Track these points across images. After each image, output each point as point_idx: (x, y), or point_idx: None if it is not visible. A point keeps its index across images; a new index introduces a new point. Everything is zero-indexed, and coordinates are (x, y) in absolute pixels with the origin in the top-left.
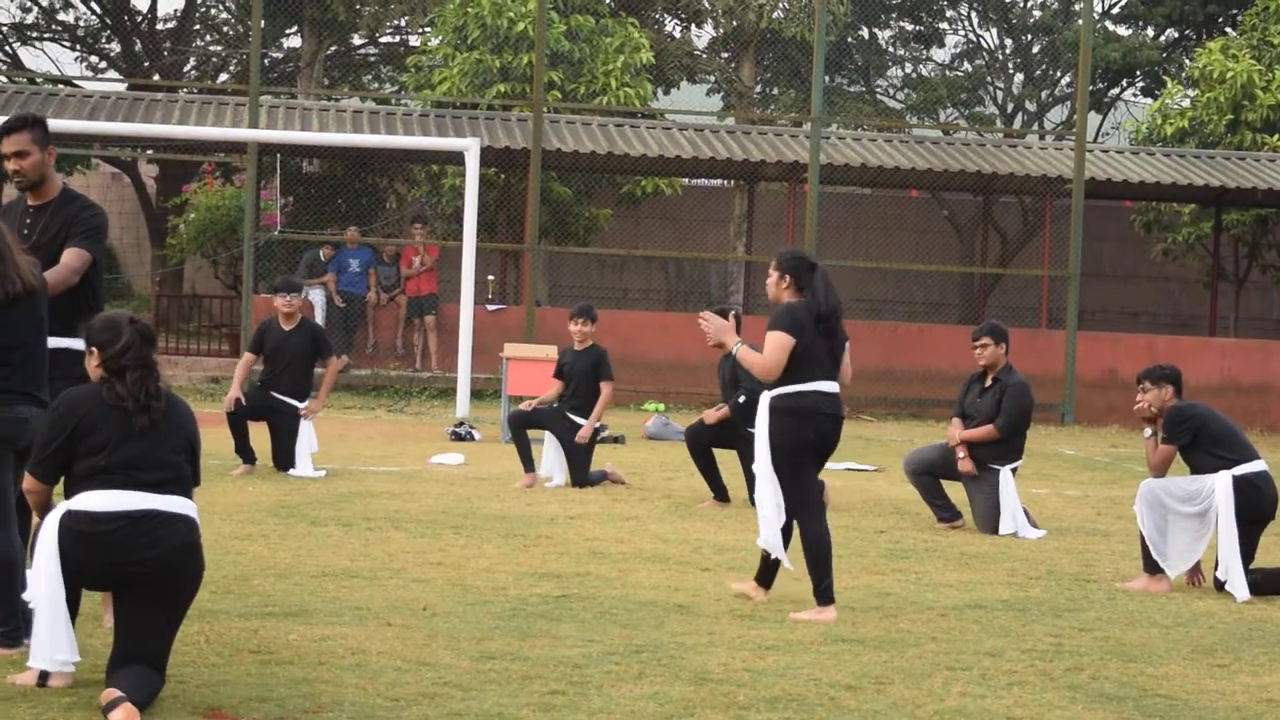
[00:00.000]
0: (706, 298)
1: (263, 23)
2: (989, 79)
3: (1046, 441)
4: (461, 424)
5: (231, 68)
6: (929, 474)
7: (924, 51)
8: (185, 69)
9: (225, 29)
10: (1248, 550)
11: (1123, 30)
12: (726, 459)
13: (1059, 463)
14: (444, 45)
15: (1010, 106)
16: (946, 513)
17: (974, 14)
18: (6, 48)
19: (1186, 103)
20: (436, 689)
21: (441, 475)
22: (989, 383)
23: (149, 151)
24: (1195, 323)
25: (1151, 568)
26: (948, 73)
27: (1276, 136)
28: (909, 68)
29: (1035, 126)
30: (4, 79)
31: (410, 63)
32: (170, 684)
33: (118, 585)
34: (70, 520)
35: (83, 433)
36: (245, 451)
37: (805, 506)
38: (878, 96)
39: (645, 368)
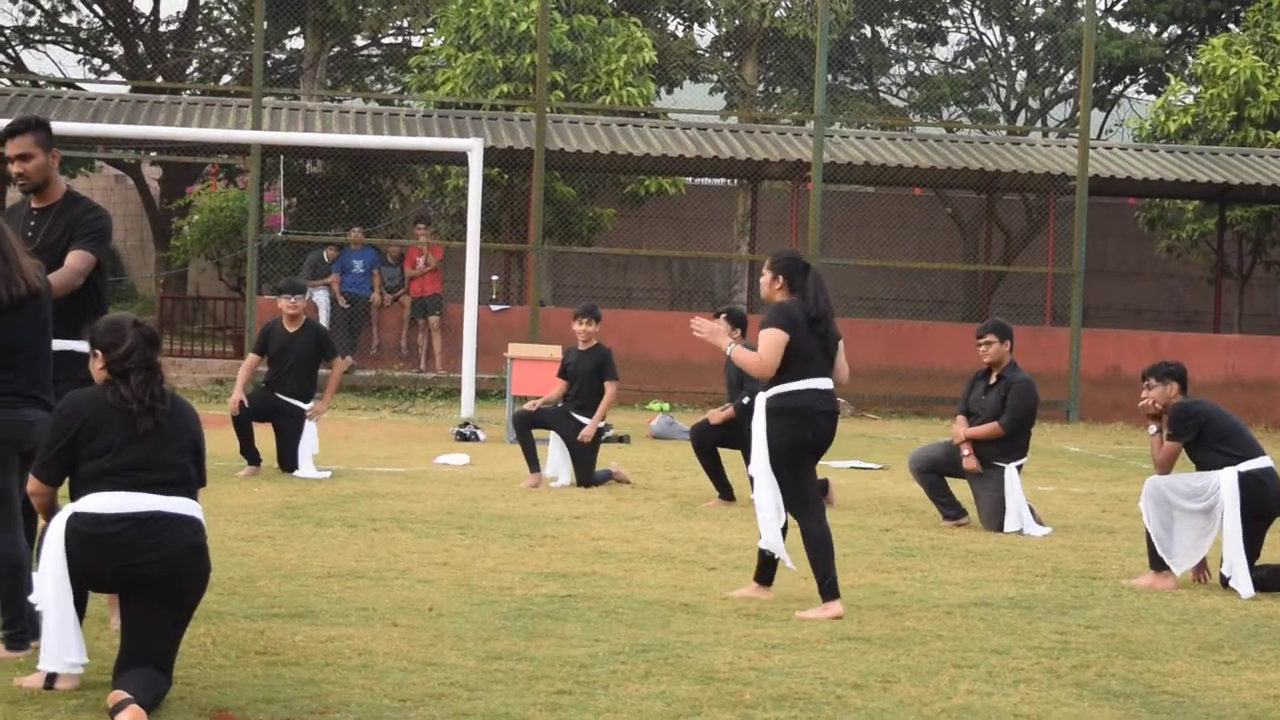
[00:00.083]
0: (710, 297)
1: (265, 24)
2: (992, 76)
3: (1051, 439)
4: (466, 424)
5: (234, 69)
6: (934, 472)
7: (927, 49)
8: (188, 71)
9: (228, 31)
10: (1253, 547)
11: (1126, 27)
12: (731, 458)
13: (1064, 460)
14: (446, 45)
15: (1013, 104)
16: (952, 510)
17: (977, 11)
18: (9, 51)
19: (1190, 99)
20: (443, 689)
21: (446, 476)
22: (993, 380)
23: (152, 153)
24: (1199, 319)
25: (1157, 564)
26: (951, 70)
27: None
28: (912, 66)
29: (1038, 124)
30: (7, 82)
31: (413, 63)
32: (177, 685)
33: (124, 587)
34: (76, 522)
35: (87, 435)
36: (250, 453)
37: (805, 505)
38: (881, 95)
39: (650, 367)
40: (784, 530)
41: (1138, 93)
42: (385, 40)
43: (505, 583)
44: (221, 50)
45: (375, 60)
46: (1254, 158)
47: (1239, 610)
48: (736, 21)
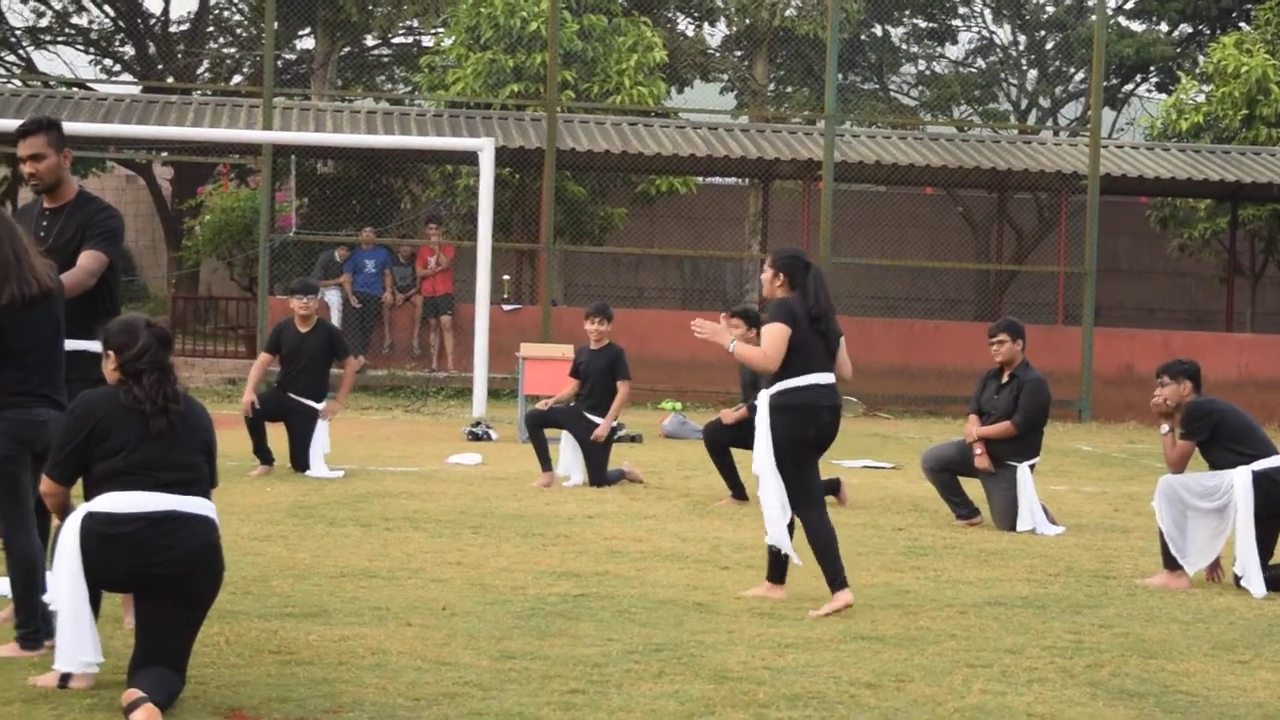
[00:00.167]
0: (722, 296)
1: (276, 24)
2: (1003, 75)
3: (1064, 438)
4: (478, 424)
5: (245, 70)
6: (947, 471)
7: (937, 48)
8: (199, 71)
9: (238, 31)
10: (1266, 546)
11: (1136, 26)
12: (744, 458)
13: (1076, 459)
14: (457, 45)
15: (1024, 103)
16: (964, 510)
17: (987, 10)
18: (21, 51)
19: (1201, 98)
20: (457, 688)
21: (459, 475)
22: (1006, 379)
23: (164, 154)
24: (1212, 318)
25: (1171, 564)
26: (961, 69)
27: None
28: (922, 65)
29: (1049, 123)
30: (19, 83)
31: (423, 63)
32: (190, 685)
33: (139, 587)
34: (91, 522)
35: (100, 435)
36: (263, 453)
37: (808, 503)
38: (891, 94)
39: (661, 366)
40: (790, 528)
41: (1149, 91)
42: (396, 40)
43: (518, 582)
44: (232, 50)
45: (386, 60)
46: (1266, 156)
47: (1253, 610)
48: (747, 21)
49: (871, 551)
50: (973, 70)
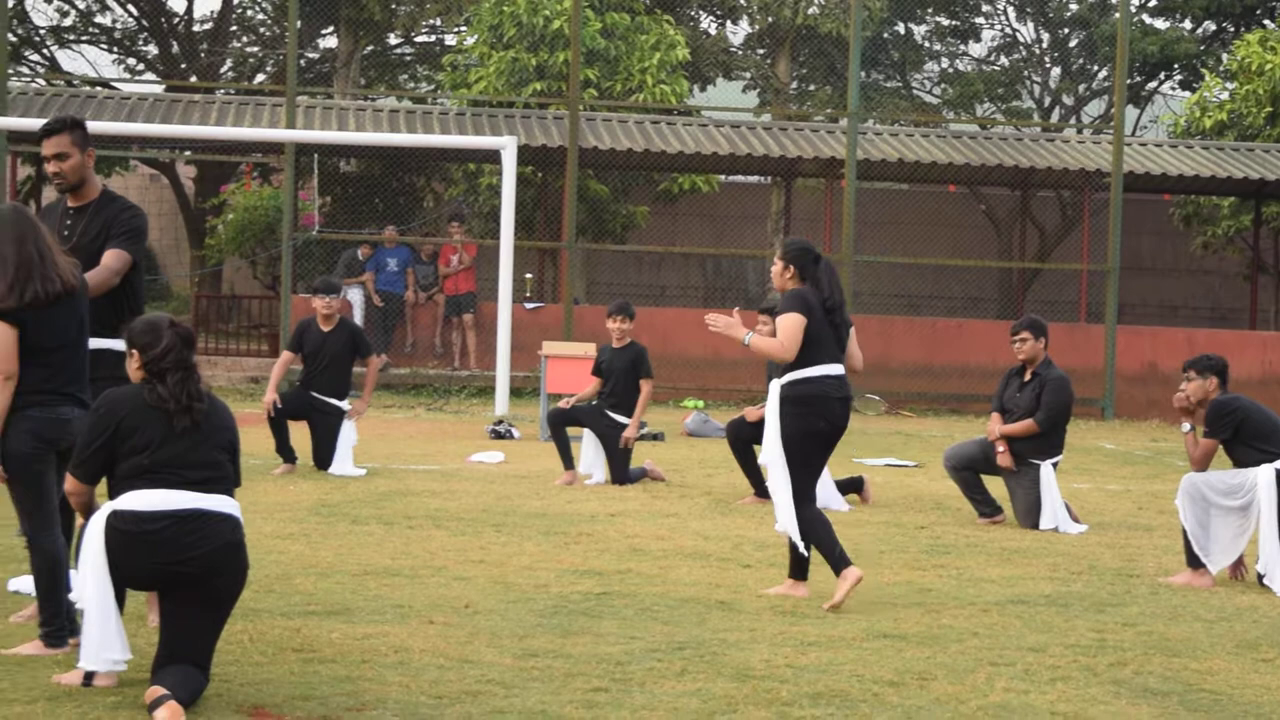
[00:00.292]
0: (744, 294)
1: (299, 23)
2: (1026, 73)
3: (1087, 436)
4: (500, 422)
5: (268, 68)
6: (969, 469)
7: (960, 46)
8: (222, 70)
9: (261, 30)
10: None
11: (1160, 23)
12: None
13: (1100, 457)
14: (480, 44)
15: (1047, 100)
16: (987, 508)
17: (1010, 8)
18: (45, 50)
19: (1225, 95)
20: (479, 686)
21: (481, 473)
22: (1028, 377)
23: (187, 152)
24: (1235, 316)
25: (1194, 562)
26: (984, 67)
27: None
28: (945, 62)
29: (1073, 120)
30: (43, 82)
31: (446, 62)
32: (214, 682)
33: (163, 585)
34: (116, 520)
35: (124, 433)
36: (286, 451)
37: (804, 498)
38: (914, 92)
39: (684, 365)
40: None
41: (1173, 89)
42: (418, 39)
43: (541, 580)
44: (255, 49)
45: (408, 59)
46: None
47: (1276, 608)
48: (770, 19)
49: (894, 550)
50: (996, 68)
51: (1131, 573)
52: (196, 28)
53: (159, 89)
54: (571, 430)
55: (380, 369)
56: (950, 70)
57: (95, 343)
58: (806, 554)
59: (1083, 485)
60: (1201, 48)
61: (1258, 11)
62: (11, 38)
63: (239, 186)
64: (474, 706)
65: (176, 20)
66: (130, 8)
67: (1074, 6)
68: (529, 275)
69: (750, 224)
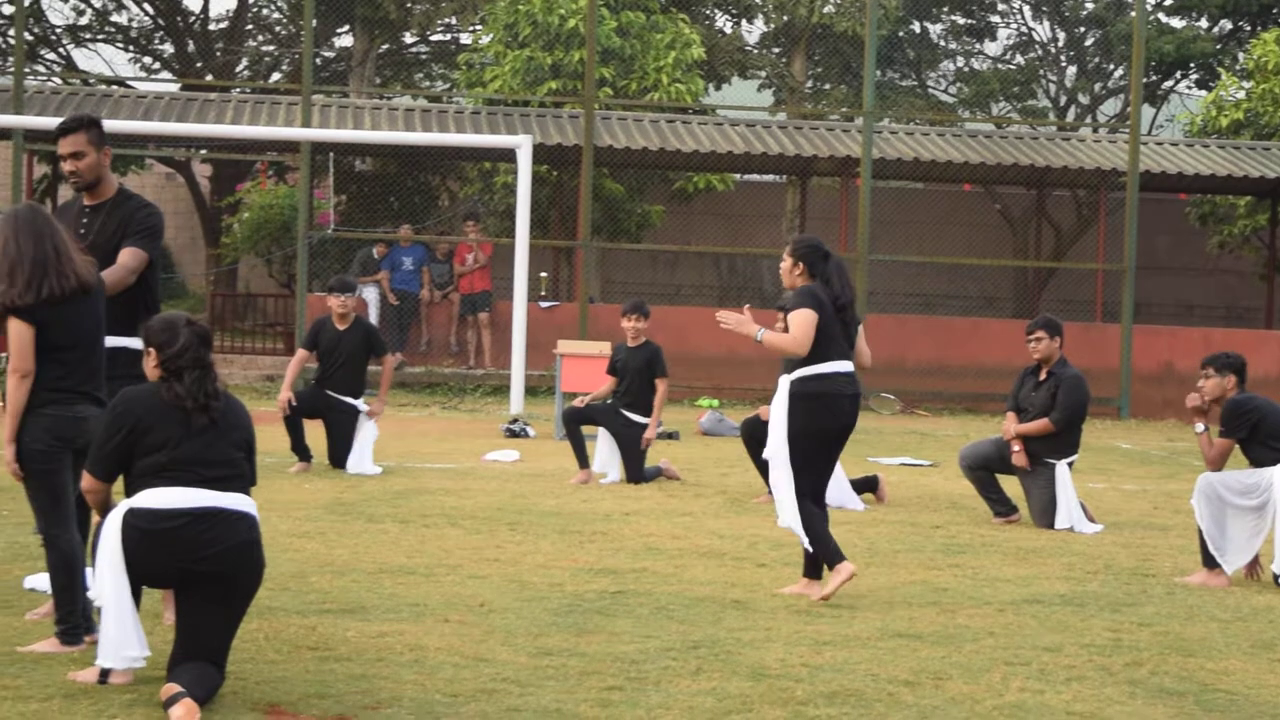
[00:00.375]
0: (759, 293)
1: (314, 22)
2: (1042, 72)
3: (1102, 435)
4: (516, 421)
5: (284, 67)
6: (984, 469)
7: (976, 45)
8: (238, 69)
9: (277, 29)
10: None
11: (1176, 22)
12: None
13: (1115, 457)
14: (495, 43)
15: (1063, 99)
16: (1002, 507)
17: (1026, 7)
18: (61, 49)
19: (1241, 94)
20: (494, 685)
21: (496, 472)
22: (1043, 376)
23: (203, 151)
24: (1251, 315)
25: (1210, 562)
26: (1000, 66)
27: None
28: (961, 61)
29: (1088, 119)
30: (59, 80)
31: (461, 60)
32: (229, 680)
33: (180, 582)
34: (133, 518)
35: (141, 431)
36: (301, 449)
37: (804, 494)
38: (930, 90)
39: (699, 364)
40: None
41: (1189, 88)
42: (434, 37)
43: (556, 579)
44: (271, 48)
45: (424, 58)
46: None
47: None
48: (785, 17)
49: (909, 549)
50: (1011, 67)
51: (1147, 572)
52: (212, 26)
53: (175, 88)
54: (586, 429)
55: (395, 368)
56: (966, 69)
57: (112, 341)
58: (810, 549)
59: (1098, 485)
60: (1218, 46)
61: (1274, 10)
62: (28, 36)
63: (254, 185)
64: (489, 705)
65: (192, 19)
66: (146, 6)
67: (1090, 5)
68: (544, 274)
69: (765, 223)
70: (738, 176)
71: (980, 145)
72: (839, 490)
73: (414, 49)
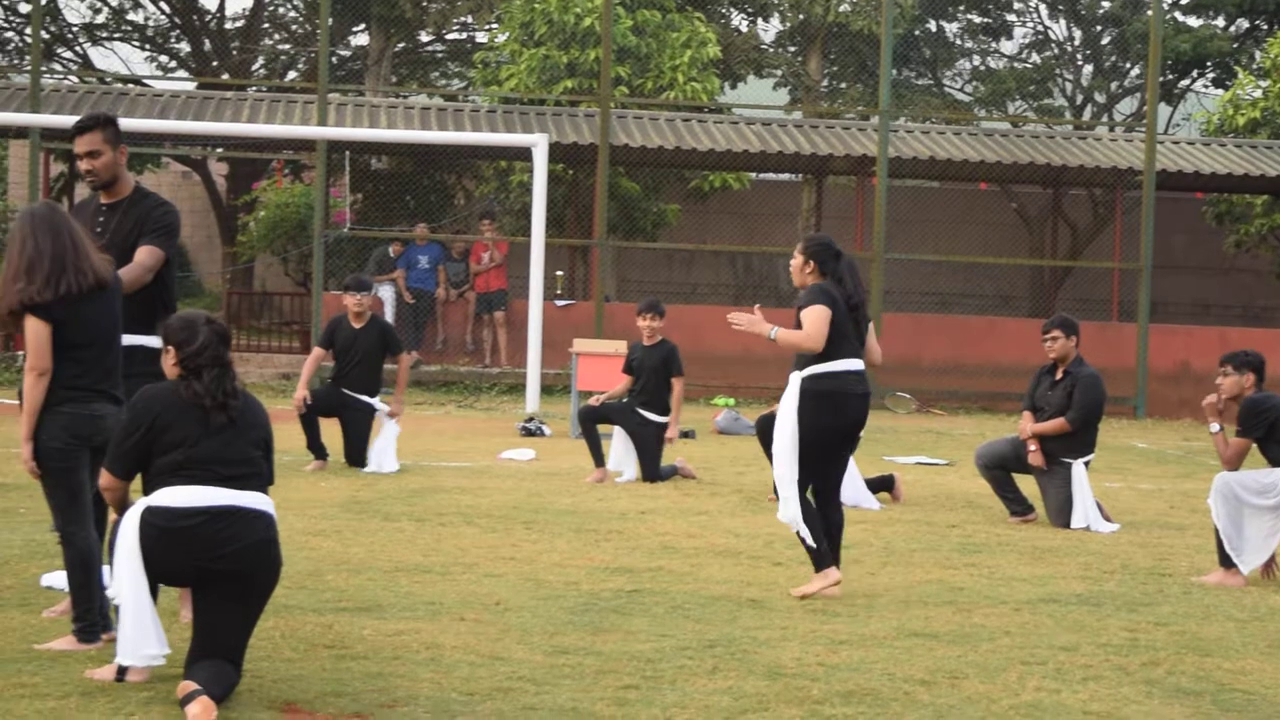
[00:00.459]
0: (775, 292)
1: (330, 21)
2: (1058, 71)
3: (1119, 435)
4: (531, 419)
5: (300, 66)
6: (1000, 468)
7: (992, 43)
8: (254, 68)
9: (293, 27)
10: None
11: (1193, 21)
12: None
13: (1132, 456)
14: (511, 41)
15: (1079, 98)
16: (1018, 506)
17: (1042, 5)
18: (78, 48)
19: (1258, 93)
20: (510, 683)
21: (512, 470)
22: (1060, 375)
23: (219, 149)
24: (1268, 315)
25: (1226, 561)
26: (1016, 65)
27: None
28: (977, 60)
29: (1105, 118)
30: (75, 79)
31: (477, 59)
32: (246, 678)
33: (197, 581)
34: (151, 516)
35: (160, 429)
36: (317, 448)
37: (805, 490)
38: (946, 89)
39: (714, 362)
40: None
41: (1205, 87)
42: (450, 36)
43: (571, 577)
44: (287, 47)
45: (440, 56)
46: None
47: None
48: (801, 16)
49: (925, 548)
50: (1028, 65)
51: (1164, 572)
52: (229, 25)
53: (191, 86)
54: (602, 428)
55: (411, 366)
56: (982, 68)
57: (128, 339)
58: (813, 544)
59: (1115, 484)
60: (1234, 45)
61: None
62: (45, 35)
63: (271, 184)
64: (505, 703)
65: (209, 18)
66: (163, 5)
67: (1106, 4)
68: (560, 273)
69: (781, 221)
70: (753, 175)
71: (996, 144)
72: (854, 489)
73: (430, 48)
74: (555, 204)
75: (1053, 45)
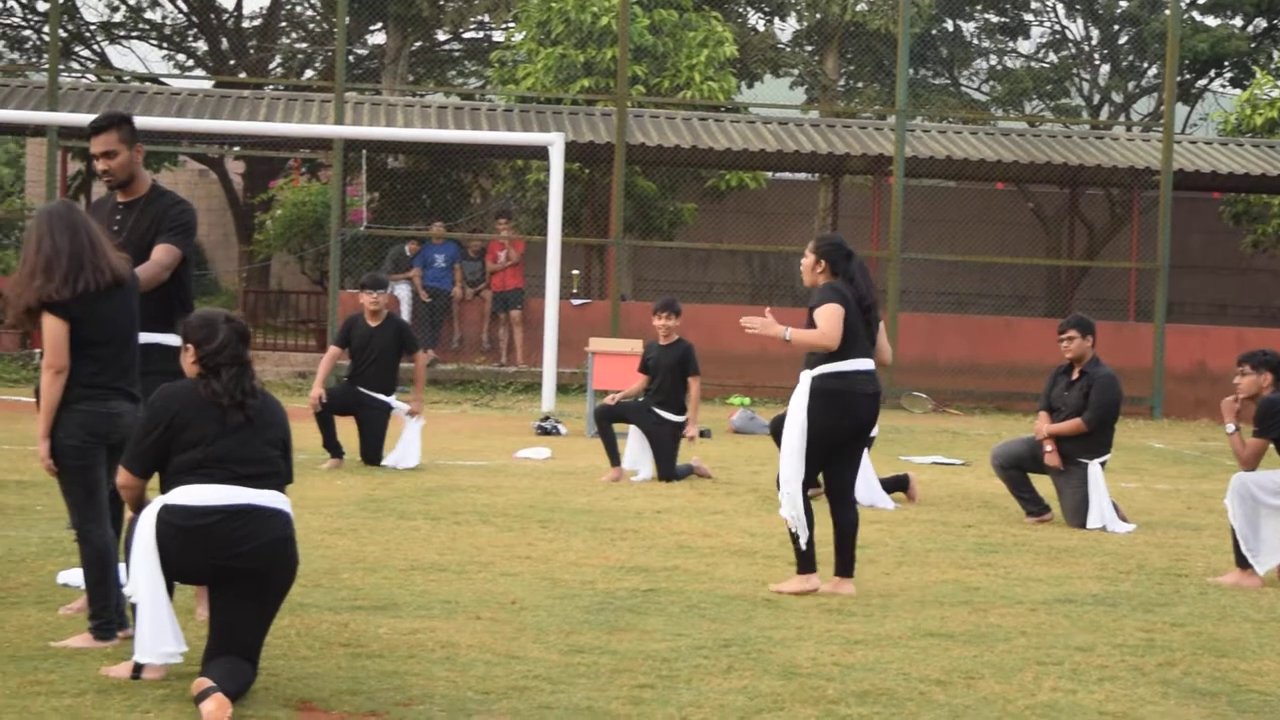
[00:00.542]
0: (791, 292)
1: (347, 20)
2: (1075, 70)
3: (1135, 435)
4: (547, 418)
5: (317, 64)
6: (1016, 468)
7: (1009, 43)
8: (271, 66)
9: (310, 26)
10: None
11: (1210, 20)
12: None
13: (1148, 456)
14: (528, 40)
15: (1097, 98)
16: (1035, 507)
17: (1060, 5)
18: (95, 46)
19: (1276, 92)
20: (526, 682)
21: (528, 469)
22: (1076, 376)
23: (236, 148)
24: None
25: (1243, 562)
26: (1033, 64)
27: None
28: (994, 59)
29: (1122, 118)
30: (93, 77)
31: (494, 58)
32: (262, 676)
33: (213, 579)
34: (168, 514)
35: (178, 428)
36: (333, 446)
37: (808, 489)
38: (962, 89)
39: (730, 362)
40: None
41: (1223, 86)
42: (467, 35)
43: (587, 576)
44: (304, 46)
45: (457, 55)
46: None
47: None
48: (818, 15)
49: (941, 548)
50: (1045, 65)
51: (1180, 572)
52: (245, 24)
53: (208, 85)
54: (617, 426)
55: (427, 365)
56: (999, 67)
57: (145, 337)
58: (805, 548)
59: (1131, 484)
60: (1252, 45)
61: None
62: (62, 33)
63: (287, 182)
64: (520, 702)
65: (226, 16)
66: (180, 4)
67: (1124, 3)
68: (576, 272)
69: (797, 221)
70: (770, 175)
71: (1013, 144)
72: (869, 489)
73: (447, 46)
74: (571, 203)
75: (1070, 45)
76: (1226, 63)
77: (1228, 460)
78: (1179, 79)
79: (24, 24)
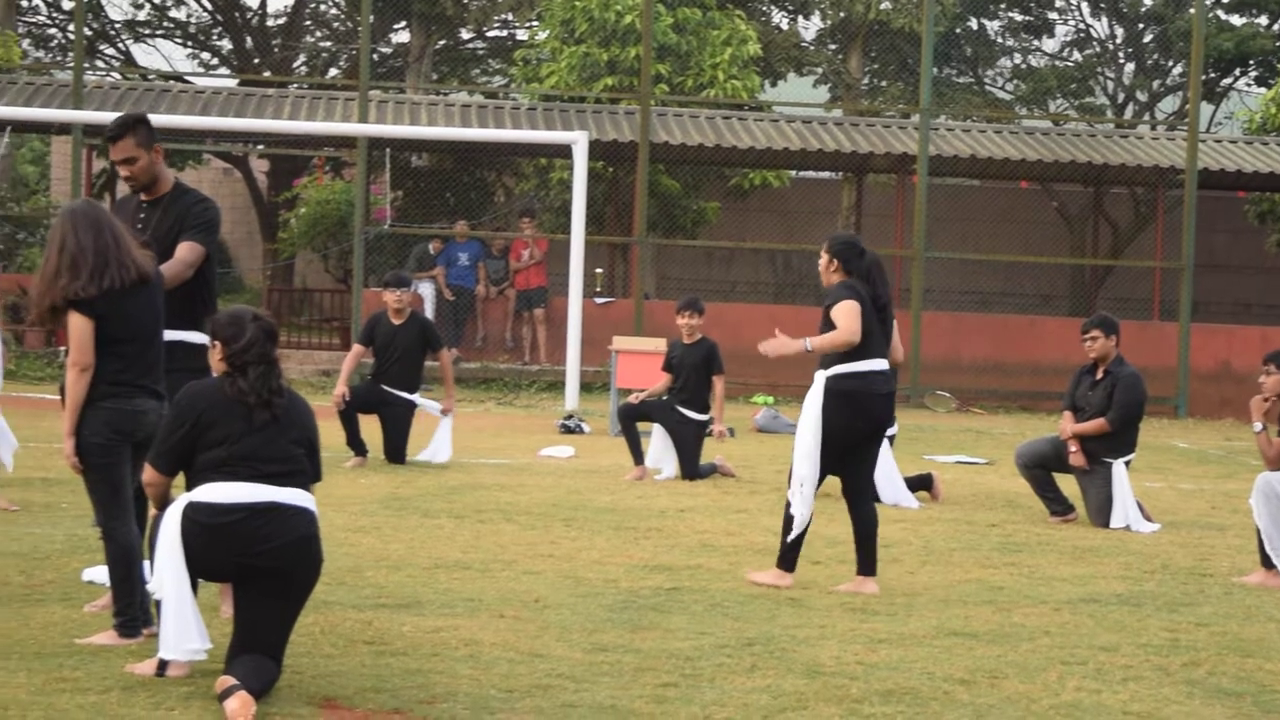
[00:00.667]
0: (814, 290)
1: (371, 18)
2: (1099, 69)
3: (1160, 434)
4: (571, 417)
5: (341, 63)
6: (1041, 467)
7: (1033, 41)
8: (295, 65)
9: (335, 25)
10: None
11: (1236, 19)
12: None
13: (1173, 456)
14: (551, 39)
15: (1121, 97)
16: (1059, 506)
17: (1084, 3)
18: (120, 45)
19: None
20: (549, 680)
21: (551, 468)
22: (1100, 375)
23: (260, 146)
24: None
25: (1268, 562)
26: (1057, 63)
27: None
28: (1018, 58)
29: (1146, 117)
30: (118, 76)
31: (518, 56)
32: (286, 674)
33: (238, 577)
34: (193, 512)
35: (205, 425)
36: (357, 444)
37: (811, 489)
38: (986, 87)
39: (754, 361)
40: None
41: (1248, 85)
42: (490, 33)
43: (610, 575)
44: (328, 44)
45: (480, 53)
46: None
47: None
48: (842, 14)
49: (965, 547)
50: (1069, 64)
51: (1205, 572)
52: (270, 22)
53: (232, 83)
54: (641, 425)
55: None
56: (1023, 66)
57: (169, 335)
58: (793, 545)
59: (1155, 484)
60: (1277, 43)
61: None
62: (87, 32)
63: (311, 180)
64: (544, 700)
65: (250, 15)
66: (205, 2)
67: (1148, 2)
68: (599, 270)
69: (821, 219)
70: (793, 173)
71: (1037, 142)
72: (893, 488)
73: (471, 45)
74: (595, 201)
75: (1094, 43)
76: (1252, 61)
77: (1253, 460)
78: (1204, 77)
79: (49, 22)
